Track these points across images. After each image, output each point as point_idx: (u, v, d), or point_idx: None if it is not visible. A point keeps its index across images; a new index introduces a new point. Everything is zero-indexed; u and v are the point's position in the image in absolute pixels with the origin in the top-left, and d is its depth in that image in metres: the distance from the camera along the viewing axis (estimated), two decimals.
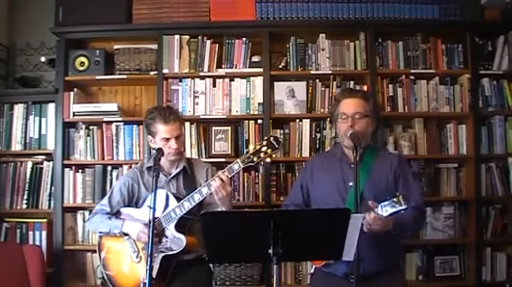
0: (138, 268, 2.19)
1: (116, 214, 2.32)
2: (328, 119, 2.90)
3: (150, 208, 1.92)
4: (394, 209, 1.74)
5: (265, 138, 2.06)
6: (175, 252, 2.12)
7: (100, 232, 2.31)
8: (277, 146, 2.02)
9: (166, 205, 2.17)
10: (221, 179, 2.04)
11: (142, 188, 2.33)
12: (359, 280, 1.75)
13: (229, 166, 2.09)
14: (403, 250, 2.97)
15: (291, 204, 2.25)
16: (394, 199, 1.74)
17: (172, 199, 2.17)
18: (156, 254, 2.12)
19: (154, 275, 2.08)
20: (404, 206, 1.72)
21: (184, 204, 2.12)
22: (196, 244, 2.16)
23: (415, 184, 2.12)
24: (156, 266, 2.11)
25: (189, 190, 2.19)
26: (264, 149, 2.03)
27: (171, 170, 2.33)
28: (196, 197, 2.10)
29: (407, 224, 1.99)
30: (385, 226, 1.85)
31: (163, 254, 2.13)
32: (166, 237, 2.16)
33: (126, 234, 2.23)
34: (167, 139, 2.22)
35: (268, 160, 2.05)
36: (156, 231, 2.11)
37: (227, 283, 2.93)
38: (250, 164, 2.05)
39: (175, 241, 2.13)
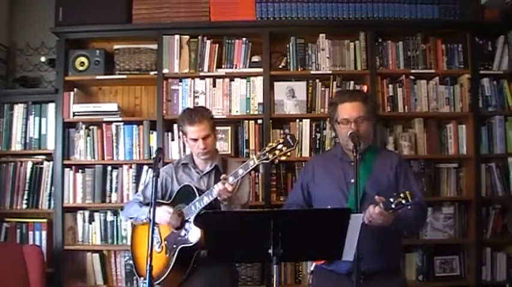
0: (160, 257, 2.25)
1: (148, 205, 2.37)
2: (328, 119, 2.90)
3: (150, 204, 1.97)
4: (400, 205, 1.76)
5: (282, 136, 2.08)
6: (191, 244, 2.17)
7: (130, 217, 2.42)
8: (292, 144, 2.02)
9: (190, 199, 2.24)
10: (222, 187, 2.07)
11: (175, 183, 2.40)
12: (359, 280, 1.75)
13: (244, 163, 2.10)
14: (403, 249, 2.97)
15: (293, 203, 2.25)
16: (401, 195, 1.76)
17: (196, 193, 2.23)
18: (174, 246, 2.22)
19: (170, 267, 2.20)
20: (410, 201, 1.74)
21: (203, 198, 2.18)
22: None
23: (415, 182, 2.13)
24: (173, 258, 2.20)
25: None
26: (279, 146, 2.02)
27: (205, 167, 2.40)
28: (214, 192, 2.14)
29: (409, 220, 1.98)
30: (386, 221, 1.85)
31: (182, 246, 2.20)
32: (186, 229, 2.22)
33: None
34: (195, 140, 2.29)
35: (283, 158, 2.04)
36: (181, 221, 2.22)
37: None
38: (265, 161, 2.06)
39: (191, 233, 2.19)
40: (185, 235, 2.21)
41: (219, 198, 2.12)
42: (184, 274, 2.22)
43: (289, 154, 2.03)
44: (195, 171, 2.40)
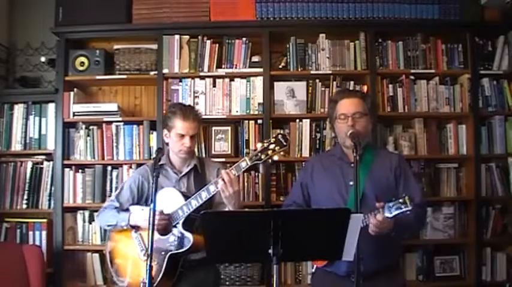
0: (145, 265, 2.18)
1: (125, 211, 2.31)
2: (328, 118, 2.90)
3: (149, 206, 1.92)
4: (400, 211, 1.75)
5: (274, 135, 2.05)
6: (182, 250, 2.12)
7: (108, 225, 2.32)
8: (285, 143, 2.01)
9: (175, 203, 2.16)
10: (228, 177, 2.03)
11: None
12: (359, 280, 1.75)
13: (236, 163, 2.08)
14: (403, 249, 2.97)
15: (292, 203, 2.25)
16: (400, 200, 1.76)
17: (180, 197, 2.17)
18: (163, 253, 2.14)
19: (161, 274, 2.11)
20: (410, 207, 1.74)
21: (191, 202, 2.11)
22: (203, 243, 2.15)
23: (415, 183, 2.13)
24: (163, 265, 2.12)
25: (199, 188, 2.17)
26: (271, 146, 2.01)
27: (182, 168, 2.32)
28: (204, 195, 2.10)
29: (410, 223, 1.98)
30: (387, 227, 1.85)
31: (171, 252, 2.13)
32: (174, 235, 2.15)
33: (133, 227, 2.23)
34: (182, 136, 2.21)
35: (276, 157, 2.03)
36: (166, 224, 2.12)
37: (227, 283, 2.92)
38: (258, 161, 2.04)
39: (182, 239, 2.13)
40: (175, 240, 2.14)
41: (222, 194, 2.05)
42: (172, 280, 2.15)
43: (282, 153, 2.02)
44: (172, 172, 2.31)
